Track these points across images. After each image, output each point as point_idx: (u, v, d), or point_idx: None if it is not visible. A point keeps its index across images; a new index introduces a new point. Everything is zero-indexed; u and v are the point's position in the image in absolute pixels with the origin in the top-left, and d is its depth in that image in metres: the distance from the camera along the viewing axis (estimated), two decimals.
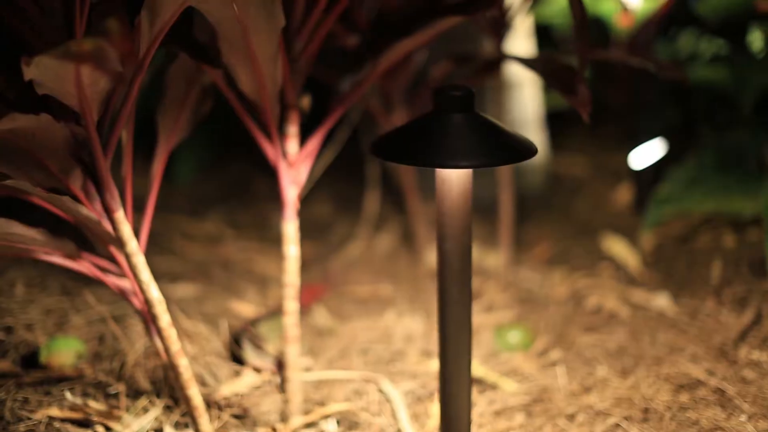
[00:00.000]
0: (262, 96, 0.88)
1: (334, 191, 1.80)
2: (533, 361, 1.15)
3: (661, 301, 1.31)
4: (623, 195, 1.81)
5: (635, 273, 1.43)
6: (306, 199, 1.61)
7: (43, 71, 0.62)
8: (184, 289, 1.36)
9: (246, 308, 1.31)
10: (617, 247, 1.52)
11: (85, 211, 0.80)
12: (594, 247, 1.55)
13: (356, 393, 1.05)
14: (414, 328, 1.25)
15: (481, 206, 1.57)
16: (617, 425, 0.97)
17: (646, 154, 1.70)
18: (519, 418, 1.01)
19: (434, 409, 1.02)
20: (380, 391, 1.06)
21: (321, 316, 1.30)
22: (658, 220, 1.45)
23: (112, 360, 1.07)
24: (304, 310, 1.27)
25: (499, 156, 0.77)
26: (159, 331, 0.85)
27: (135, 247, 0.82)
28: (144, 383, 1.03)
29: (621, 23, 1.67)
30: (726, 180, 1.48)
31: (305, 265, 1.44)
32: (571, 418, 1.00)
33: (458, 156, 0.75)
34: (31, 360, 1.07)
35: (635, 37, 1.58)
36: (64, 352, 1.06)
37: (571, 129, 2.15)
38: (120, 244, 0.82)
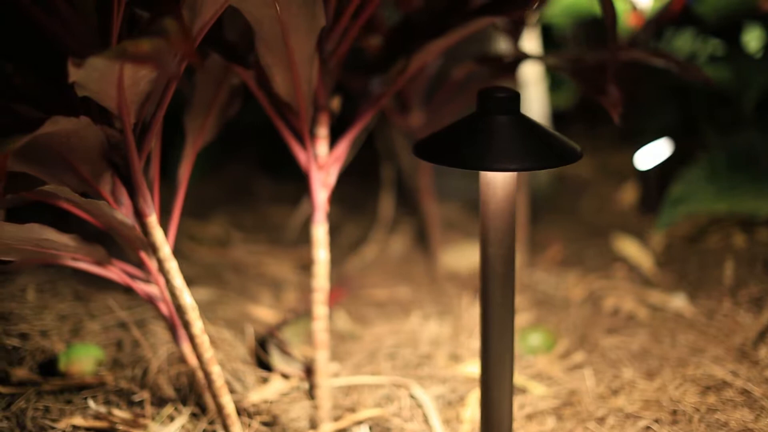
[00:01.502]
0: (298, 97, 0.86)
1: (342, 193, 1.78)
2: (557, 364, 1.15)
3: (678, 302, 1.31)
4: (628, 195, 1.81)
5: (649, 274, 1.43)
6: None
7: (89, 73, 0.60)
8: (199, 294, 1.33)
9: (264, 312, 1.28)
10: (630, 248, 1.51)
11: (120, 216, 0.78)
12: (605, 248, 1.55)
13: (387, 398, 1.03)
14: (440, 332, 1.23)
15: None
16: (648, 428, 0.97)
17: (652, 154, 1.71)
18: (550, 422, 1.00)
19: (466, 413, 1.01)
20: (411, 396, 1.04)
21: (341, 320, 1.28)
22: (671, 220, 1.45)
23: (133, 367, 1.05)
24: None
25: (546, 159, 0.75)
26: (191, 338, 0.83)
27: (168, 253, 0.80)
28: (168, 390, 1.00)
29: (630, 23, 1.67)
30: (739, 180, 1.48)
31: None
32: (601, 421, 0.99)
33: (505, 159, 0.73)
34: (48, 367, 1.04)
35: (636, 37, 1.58)
36: (84, 359, 1.04)
37: (572, 129, 2.15)
38: (153, 249, 0.80)
